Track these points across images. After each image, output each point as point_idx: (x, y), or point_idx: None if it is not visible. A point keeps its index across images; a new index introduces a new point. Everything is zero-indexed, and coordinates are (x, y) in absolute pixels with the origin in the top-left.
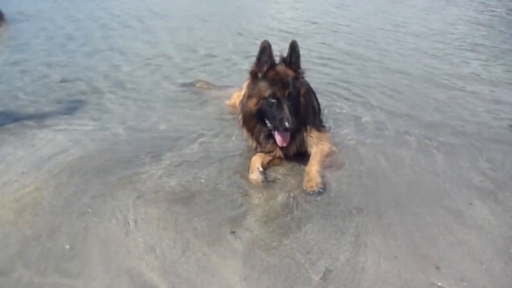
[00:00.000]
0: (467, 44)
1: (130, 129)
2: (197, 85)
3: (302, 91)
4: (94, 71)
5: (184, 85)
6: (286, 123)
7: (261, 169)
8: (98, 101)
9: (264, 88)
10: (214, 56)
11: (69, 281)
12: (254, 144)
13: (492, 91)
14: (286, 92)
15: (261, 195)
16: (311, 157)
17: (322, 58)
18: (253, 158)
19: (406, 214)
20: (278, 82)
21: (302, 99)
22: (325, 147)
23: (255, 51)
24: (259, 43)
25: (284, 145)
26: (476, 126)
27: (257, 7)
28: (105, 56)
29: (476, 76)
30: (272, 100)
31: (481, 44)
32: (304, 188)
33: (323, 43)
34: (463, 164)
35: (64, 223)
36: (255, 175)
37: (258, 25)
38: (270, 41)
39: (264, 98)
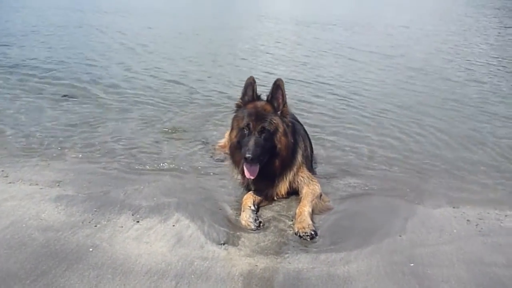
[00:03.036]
0: None
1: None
2: None
3: (281, 128)
4: None
5: None
6: (247, 153)
7: (253, 208)
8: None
9: (241, 119)
10: None
11: None
12: (244, 182)
13: None
14: (259, 126)
15: (251, 236)
16: (302, 198)
17: None
18: (245, 197)
19: None
20: (253, 114)
21: (282, 138)
22: (317, 187)
23: None
24: None
25: (251, 177)
26: None
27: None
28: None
29: None
30: (245, 131)
31: None
32: (296, 230)
33: None
34: None
35: None
36: (246, 213)
37: None
38: None
39: (240, 129)
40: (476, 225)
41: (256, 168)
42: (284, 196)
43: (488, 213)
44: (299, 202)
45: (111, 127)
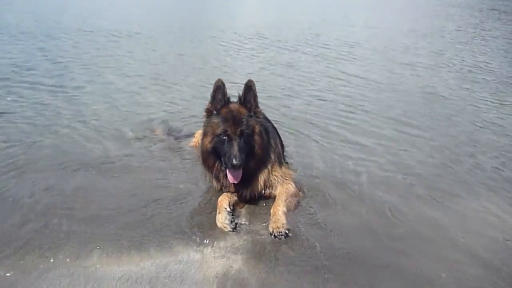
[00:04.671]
0: None
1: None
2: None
3: (257, 129)
4: None
5: None
6: (234, 160)
7: (228, 209)
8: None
9: (217, 125)
10: None
11: None
12: (218, 185)
13: None
14: (238, 130)
15: (225, 237)
16: (276, 197)
17: None
18: (220, 198)
19: None
20: (230, 119)
21: (257, 138)
22: (290, 186)
23: None
24: None
25: (235, 182)
26: None
27: None
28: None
29: None
30: (224, 137)
31: None
32: (271, 230)
33: None
34: None
35: None
36: (222, 215)
37: None
38: None
39: (217, 135)
40: None
41: (240, 172)
42: (258, 196)
43: None
44: (274, 202)
45: (64, 139)
